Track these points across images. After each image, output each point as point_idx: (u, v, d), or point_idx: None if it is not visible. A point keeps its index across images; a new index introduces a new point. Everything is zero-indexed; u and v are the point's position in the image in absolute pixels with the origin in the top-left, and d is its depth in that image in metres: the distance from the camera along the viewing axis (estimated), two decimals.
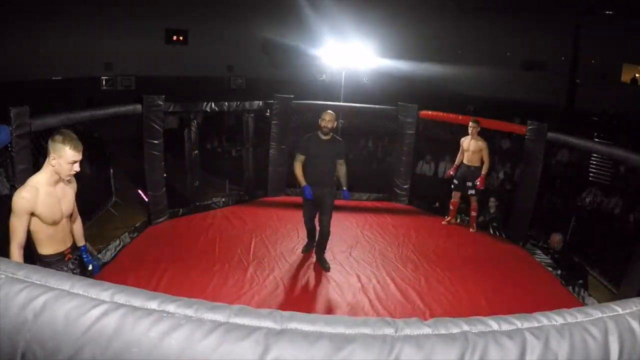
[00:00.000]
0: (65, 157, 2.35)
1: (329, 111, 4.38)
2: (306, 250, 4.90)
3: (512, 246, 5.60)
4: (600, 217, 7.31)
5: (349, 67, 8.83)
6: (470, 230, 5.95)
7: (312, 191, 4.27)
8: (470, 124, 5.72)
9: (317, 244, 4.66)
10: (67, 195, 2.56)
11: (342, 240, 4.53)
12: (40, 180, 2.37)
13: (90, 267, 2.75)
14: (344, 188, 4.53)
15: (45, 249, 2.47)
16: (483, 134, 5.86)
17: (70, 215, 2.63)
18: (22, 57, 10.56)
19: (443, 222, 6.12)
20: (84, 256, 2.75)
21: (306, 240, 4.96)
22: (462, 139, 5.87)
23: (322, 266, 4.58)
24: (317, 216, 4.53)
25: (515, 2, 13.12)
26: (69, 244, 2.63)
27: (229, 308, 0.82)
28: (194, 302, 0.83)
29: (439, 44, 14.97)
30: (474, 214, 5.93)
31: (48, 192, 2.39)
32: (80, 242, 2.78)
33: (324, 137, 4.33)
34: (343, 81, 8.62)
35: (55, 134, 2.38)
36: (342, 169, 4.50)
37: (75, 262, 2.68)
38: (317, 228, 4.57)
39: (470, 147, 5.72)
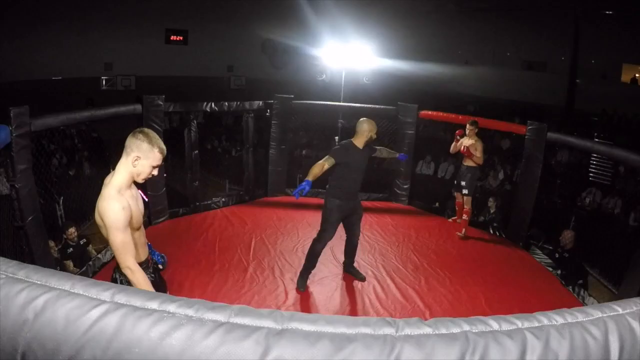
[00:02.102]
0: (151, 159, 2.15)
1: (371, 121, 3.97)
2: (303, 288, 4.16)
3: (512, 246, 5.60)
4: (600, 217, 7.31)
5: (349, 67, 8.83)
6: (458, 234, 5.68)
7: (348, 203, 3.94)
8: (468, 125, 5.62)
9: (349, 254, 4.40)
10: (138, 197, 2.37)
11: (342, 240, 4.54)
12: (121, 184, 2.15)
13: (162, 261, 2.59)
14: (399, 154, 4.70)
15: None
16: (483, 133, 5.85)
17: None
18: (22, 57, 10.57)
19: (450, 220, 6.19)
20: (151, 252, 2.56)
21: (306, 270, 4.21)
22: (462, 139, 5.82)
23: (358, 277, 4.41)
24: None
25: (515, 2, 13.12)
26: (148, 250, 2.48)
27: (230, 308, 0.82)
28: (194, 302, 0.83)
29: (439, 44, 14.97)
30: (465, 217, 5.69)
31: (130, 195, 2.21)
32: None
33: (360, 147, 3.91)
34: (343, 81, 8.62)
35: (138, 132, 2.16)
36: (383, 151, 4.33)
37: (151, 270, 2.48)
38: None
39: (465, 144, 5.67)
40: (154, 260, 2.54)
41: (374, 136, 3.92)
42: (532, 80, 14.27)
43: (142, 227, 2.40)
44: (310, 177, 3.63)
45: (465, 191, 5.64)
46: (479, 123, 5.68)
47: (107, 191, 2.11)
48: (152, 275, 2.43)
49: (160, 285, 2.54)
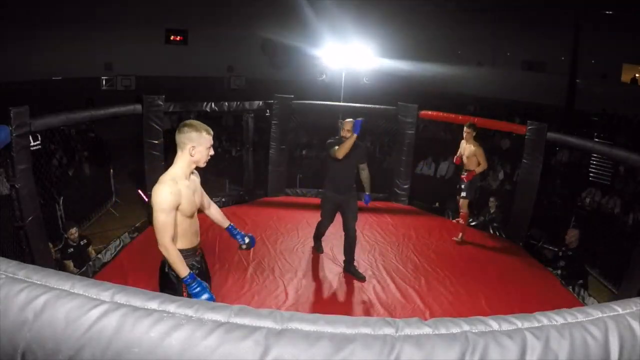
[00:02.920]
0: (204, 143, 2.37)
1: (349, 120, 4.30)
2: (321, 250, 4.92)
3: (512, 246, 5.60)
4: (600, 217, 7.31)
5: (349, 67, 8.83)
6: (454, 239, 5.51)
7: (337, 196, 4.33)
8: (465, 128, 5.38)
9: (346, 252, 4.49)
10: (197, 187, 2.57)
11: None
12: (177, 174, 2.37)
13: (247, 241, 2.83)
14: (367, 192, 4.52)
15: (180, 243, 2.42)
16: (483, 133, 5.82)
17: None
18: (22, 57, 10.57)
19: (454, 221, 6.07)
20: (235, 232, 2.82)
21: (312, 242, 5.00)
22: (461, 142, 5.73)
23: (357, 277, 4.41)
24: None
25: (516, 3, 13.12)
26: (199, 239, 2.63)
27: (230, 308, 0.82)
28: (194, 302, 0.83)
29: (439, 44, 14.98)
30: (461, 221, 5.56)
31: (185, 185, 2.39)
32: (226, 223, 2.86)
33: None
34: (343, 81, 8.62)
35: (183, 127, 2.37)
36: (364, 173, 4.48)
37: (199, 259, 2.65)
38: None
39: (465, 151, 5.45)
40: (202, 257, 2.71)
41: (345, 133, 4.23)
42: (532, 80, 14.27)
43: (195, 216, 2.55)
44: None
45: (463, 194, 5.44)
46: (476, 125, 5.46)
47: (163, 177, 2.35)
48: (199, 263, 2.61)
49: (205, 274, 2.69)
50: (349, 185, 4.35)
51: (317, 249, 4.93)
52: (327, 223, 4.57)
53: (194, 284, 2.30)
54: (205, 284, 2.38)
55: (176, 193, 2.30)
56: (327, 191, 4.43)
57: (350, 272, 4.47)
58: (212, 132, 2.43)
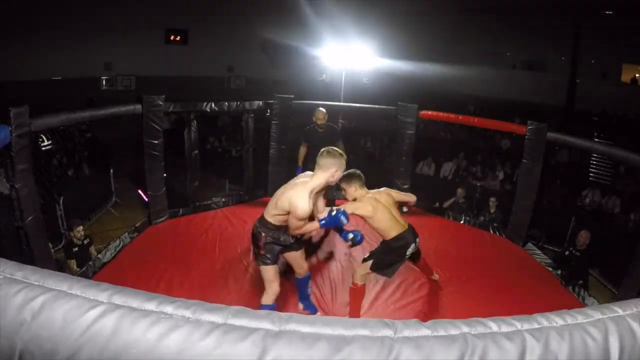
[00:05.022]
0: (341, 168, 2.97)
1: (321, 109, 5.26)
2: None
3: (512, 246, 5.59)
4: (600, 217, 7.31)
5: (349, 67, 8.83)
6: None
7: None
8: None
9: None
10: (317, 202, 3.24)
11: (342, 240, 4.53)
12: (314, 189, 2.92)
13: (350, 236, 3.38)
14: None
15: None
16: (483, 133, 5.84)
17: None
18: (22, 57, 10.57)
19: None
20: (342, 233, 3.48)
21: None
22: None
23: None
24: None
25: (516, 3, 13.12)
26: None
27: (227, 309, 0.82)
28: (191, 303, 0.83)
29: (439, 44, 14.98)
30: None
31: (314, 197, 2.98)
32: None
33: (320, 130, 5.26)
34: (343, 81, 8.62)
35: (333, 152, 2.95)
36: (339, 147, 4.98)
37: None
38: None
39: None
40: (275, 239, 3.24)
41: (321, 122, 5.21)
42: (532, 80, 14.29)
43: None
44: (299, 162, 5.39)
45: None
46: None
47: (304, 189, 2.89)
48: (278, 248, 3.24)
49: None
50: None
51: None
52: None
53: (327, 217, 3.05)
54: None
55: (310, 205, 2.83)
56: (310, 165, 4.92)
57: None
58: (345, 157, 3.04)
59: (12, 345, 0.80)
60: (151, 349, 0.76)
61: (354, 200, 3.52)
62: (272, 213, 3.11)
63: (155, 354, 0.76)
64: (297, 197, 2.84)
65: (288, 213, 2.95)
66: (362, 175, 3.53)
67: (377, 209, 3.44)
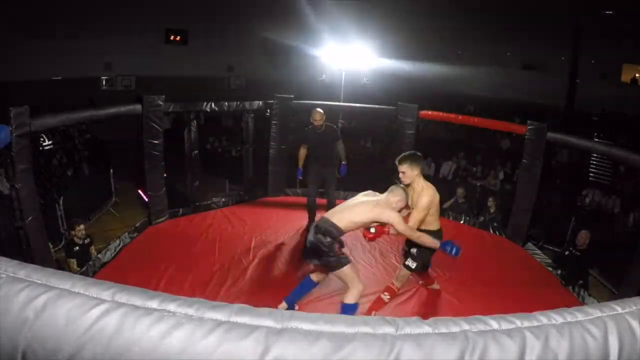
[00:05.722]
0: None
1: (318, 110, 5.21)
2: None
3: (512, 246, 5.59)
4: (600, 217, 7.31)
5: (349, 67, 8.83)
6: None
7: (319, 171, 5.21)
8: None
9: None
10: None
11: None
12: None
13: (449, 249, 3.59)
14: (343, 162, 5.38)
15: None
16: (483, 133, 5.84)
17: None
18: (23, 57, 10.56)
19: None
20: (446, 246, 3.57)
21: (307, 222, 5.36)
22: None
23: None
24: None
25: (515, 2, 13.11)
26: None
27: (230, 307, 0.82)
28: (194, 301, 0.83)
29: (439, 44, 14.97)
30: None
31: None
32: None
33: (318, 131, 5.23)
34: (343, 81, 8.62)
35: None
36: (339, 146, 5.33)
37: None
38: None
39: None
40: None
41: (318, 124, 5.15)
42: (532, 80, 14.27)
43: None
44: (299, 164, 5.43)
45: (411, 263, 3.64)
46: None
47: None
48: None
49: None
50: (327, 161, 5.25)
51: (311, 221, 5.17)
52: (312, 192, 5.34)
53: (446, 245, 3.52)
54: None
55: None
56: (310, 165, 5.28)
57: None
58: None
59: (15, 343, 0.81)
60: (154, 347, 0.76)
61: (407, 186, 3.34)
62: (354, 220, 3.23)
63: (158, 351, 0.76)
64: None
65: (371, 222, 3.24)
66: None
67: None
